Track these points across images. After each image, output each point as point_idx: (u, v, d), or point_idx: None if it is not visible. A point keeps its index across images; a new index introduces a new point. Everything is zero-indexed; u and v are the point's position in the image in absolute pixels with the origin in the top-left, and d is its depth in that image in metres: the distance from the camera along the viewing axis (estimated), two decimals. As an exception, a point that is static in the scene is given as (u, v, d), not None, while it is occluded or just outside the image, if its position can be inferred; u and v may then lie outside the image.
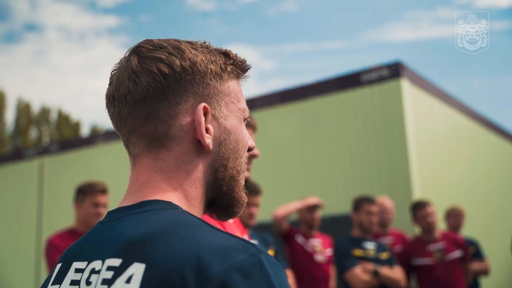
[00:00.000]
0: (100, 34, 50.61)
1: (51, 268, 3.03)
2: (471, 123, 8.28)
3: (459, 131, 7.78)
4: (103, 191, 3.26)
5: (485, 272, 5.42)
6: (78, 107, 49.18)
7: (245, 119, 0.89)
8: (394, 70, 6.27)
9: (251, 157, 0.92)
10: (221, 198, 0.86)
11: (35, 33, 49.96)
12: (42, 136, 31.11)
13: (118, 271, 0.71)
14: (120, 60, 0.85)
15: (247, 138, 0.89)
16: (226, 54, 0.86)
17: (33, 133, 31.38)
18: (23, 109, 31.06)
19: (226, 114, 0.84)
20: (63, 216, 8.33)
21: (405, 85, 6.27)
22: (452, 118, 7.59)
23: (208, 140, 0.81)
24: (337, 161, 6.54)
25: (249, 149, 0.90)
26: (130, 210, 0.79)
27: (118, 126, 0.85)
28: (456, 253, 4.37)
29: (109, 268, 0.72)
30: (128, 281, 0.69)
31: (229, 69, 0.85)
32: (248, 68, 0.89)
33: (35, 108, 32.63)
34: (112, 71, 0.85)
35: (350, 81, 6.63)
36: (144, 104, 0.80)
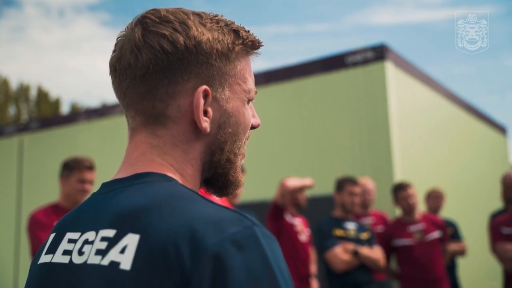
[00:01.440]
0: (80, 11, 49.73)
1: (33, 243, 3.01)
2: (453, 107, 8.37)
3: (441, 115, 7.86)
4: (90, 167, 3.20)
5: (462, 252, 5.54)
6: (58, 84, 48.46)
7: (249, 100, 0.86)
8: (379, 53, 6.29)
9: (252, 128, 0.90)
10: (216, 179, 0.86)
11: (14, 8, 48.89)
12: (20, 114, 30.62)
13: (112, 242, 0.71)
14: (126, 27, 0.83)
15: (249, 120, 0.86)
16: (236, 32, 0.83)
17: (11, 110, 30.87)
18: (1, 85, 30.47)
19: (229, 96, 0.82)
20: (44, 193, 8.26)
21: (389, 68, 6.30)
22: (434, 102, 7.67)
23: (206, 123, 0.79)
24: (320, 142, 6.57)
25: (253, 127, 0.89)
26: (124, 182, 0.79)
27: (118, 97, 0.84)
28: (435, 234, 4.45)
29: (103, 239, 0.72)
30: (122, 251, 0.69)
31: (237, 49, 0.82)
32: (260, 46, 0.86)
33: (14, 85, 32.08)
34: (118, 38, 0.83)
35: (334, 63, 6.64)
36: (144, 81, 0.79)
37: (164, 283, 0.65)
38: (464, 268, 6.60)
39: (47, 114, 28.58)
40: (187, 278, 0.64)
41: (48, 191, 8.00)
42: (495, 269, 7.48)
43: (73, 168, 3.17)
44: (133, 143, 0.83)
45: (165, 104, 0.79)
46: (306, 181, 4.49)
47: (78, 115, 9.43)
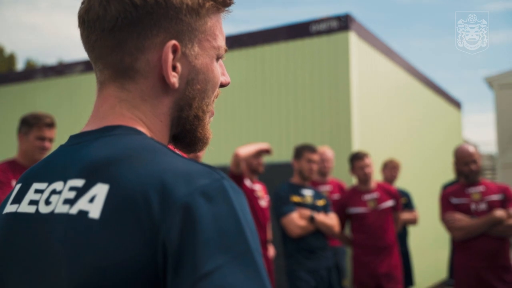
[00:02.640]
0: (38, -37, 47.45)
1: None
2: (412, 80, 8.52)
3: (401, 87, 7.99)
4: (50, 124, 3.09)
5: (413, 221, 5.74)
6: (12, 40, 46.52)
7: (219, 57, 0.86)
8: (343, 22, 6.30)
9: (222, 86, 0.90)
10: (184, 136, 0.86)
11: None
12: (-27, 69, 29.38)
13: (80, 191, 0.71)
14: None
15: (218, 78, 0.86)
16: None
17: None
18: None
19: (198, 52, 0.81)
20: (-3, 153, 8.03)
21: (353, 38, 6.33)
22: (394, 74, 7.78)
23: (174, 79, 0.79)
24: (281, 109, 6.60)
25: (222, 85, 0.88)
26: (94, 134, 0.78)
27: (86, 50, 0.82)
28: (389, 203, 4.58)
29: (72, 189, 0.72)
30: (91, 200, 0.69)
31: (207, 6, 0.81)
32: (231, 4, 0.85)
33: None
34: None
35: (299, 30, 6.61)
36: (112, 34, 0.77)
37: (133, 232, 0.65)
38: (415, 236, 6.85)
39: (1, 70, 27.52)
40: (156, 228, 0.64)
41: (2, 147, 7.78)
42: (444, 238, 7.80)
43: (32, 125, 3.05)
44: (102, 96, 0.82)
45: (134, 58, 0.78)
46: (261, 146, 4.47)
47: (34, 72, 9.13)
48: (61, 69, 8.67)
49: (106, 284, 0.65)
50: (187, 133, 0.86)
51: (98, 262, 0.66)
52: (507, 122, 15.92)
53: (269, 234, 4.76)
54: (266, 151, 4.50)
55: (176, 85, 0.79)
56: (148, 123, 0.80)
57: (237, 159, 4.20)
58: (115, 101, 0.80)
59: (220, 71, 0.88)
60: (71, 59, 9.41)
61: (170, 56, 0.78)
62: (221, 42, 0.85)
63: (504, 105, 16.00)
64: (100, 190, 0.69)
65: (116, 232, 0.66)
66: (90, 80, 8.09)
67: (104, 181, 0.69)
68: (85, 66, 8.32)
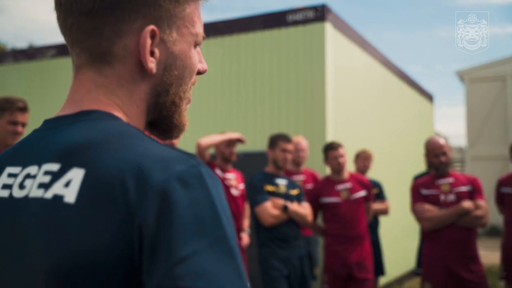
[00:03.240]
0: None
1: None
2: (386, 72, 8.61)
3: (375, 78, 8.07)
4: (23, 108, 3.01)
5: (385, 212, 5.84)
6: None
7: (197, 44, 0.86)
8: (319, 12, 6.31)
9: (199, 74, 0.90)
10: (160, 122, 0.86)
11: None
12: None
13: (56, 176, 0.70)
14: None
15: (196, 64, 0.86)
16: None
17: None
18: None
19: (176, 38, 0.81)
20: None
21: (328, 29, 6.35)
22: (369, 65, 7.84)
23: (152, 64, 0.78)
24: (256, 99, 6.60)
25: (199, 73, 0.88)
26: (69, 119, 0.77)
27: (63, 33, 0.81)
28: (361, 193, 4.64)
29: (46, 173, 0.71)
30: (67, 185, 0.68)
31: None
32: None
33: None
34: None
35: (275, 20, 6.61)
36: (90, 17, 0.76)
37: (108, 217, 0.65)
38: (386, 226, 6.96)
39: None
40: (132, 213, 0.64)
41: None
42: (414, 228, 7.95)
43: (4, 109, 2.98)
44: (78, 81, 0.81)
45: (112, 43, 0.77)
46: (231, 135, 4.48)
47: (4, 56, 8.92)
48: (33, 53, 8.49)
49: (81, 268, 0.65)
50: (163, 119, 0.85)
51: (73, 246, 0.65)
52: (477, 115, 16.26)
53: (246, 223, 4.78)
54: (238, 140, 4.51)
55: (154, 70, 0.79)
56: (125, 108, 0.80)
57: (199, 149, 4.24)
58: (92, 86, 0.79)
59: (198, 58, 0.87)
60: (42, 43, 9.18)
61: (148, 41, 0.77)
62: (199, 29, 0.85)
63: (474, 99, 16.32)
64: (76, 175, 0.68)
65: (92, 216, 0.65)
66: (62, 65, 7.94)
67: (80, 165, 0.69)
68: (57, 51, 8.16)
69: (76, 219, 0.66)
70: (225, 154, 4.53)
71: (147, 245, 0.63)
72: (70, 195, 0.67)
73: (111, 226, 0.64)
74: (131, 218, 0.64)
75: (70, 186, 0.68)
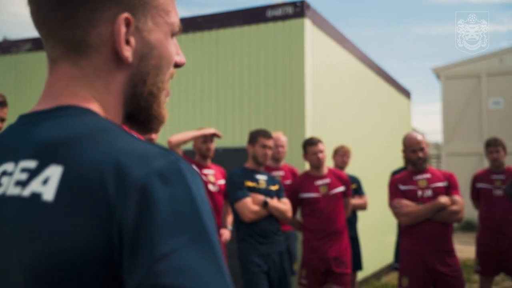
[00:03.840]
0: None
1: None
2: (364, 69, 8.67)
3: (353, 75, 8.12)
4: (2, 103, 2.96)
5: (363, 207, 5.89)
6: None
7: (173, 34, 0.85)
8: (299, 8, 6.32)
9: (176, 66, 0.88)
10: (139, 113, 0.84)
11: None
12: None
13: (33, 173, 0.69)
14: None
15: (173, 55, 0.85)
16: None
17: None
18: None
19: (151, 27, 0.80)
20: None
21: (308, 25, 6.36)
22: (347, 62, 7.89)
23: (127, 52, 0.77)
24: (235, 94, 6.58)
25: (177, 65, 0.87)
26: (46, 114, 0.75)
27: (37, 27, 0.79)
28: (340, 188, 4.67)
29: (24, 170, 0.70)
30: (45, 182, 0.67)
31: None
32: None
33: None
34: None
35: (255, 15, 6.59)
36: (62, 6, 0.74)
37: (88, 214, 0.64)
38: (364, 221, 7.03)
39: None
40: (111, 209, 0.63)
41: None
42: (391, 223, 8.03)
43: None
44: (54, 74, 0.79)
45: (86, 32, 0.76)
46: (204, 131, 4.44)
47: (-22, 49, 8.73)
48: (7, 46, 8.33)
49: (60, 266, 0.64)
50: (142, 110, 0.84)
51: (51, 245, 0.64)
52: (453, 112, 16.51)
53: (230, 219, 4.77)
54: (215, 135, 4.47)
55: (130, 59, 0.77)
56: (102, 100, 0.78)
57: (169, 146, 4.19)
58: (68, 79, 0.78)
59: (175, 50, 0.86)
60: (17, 37, 9.01)
61: (123, 29, 0.76)
62: (175, 19, 0.84)
63: (450, 96, 16.57)
64: (54, 172, 0.67)
65: (71, 214, 0.64)
66: (38, 59, 7.81)
67: (57, 162, 0.68)
68: (33, 45, 8.02)
69: (55, 217, 0.65)
70: (202, 150, 4.52)
71: (127, 242, 0.62)
72: (49, 193, 0.66)
73: (90, 223, 0.64)
74: (111, 215, 0.63)
75: (48, 183, 0.67)
